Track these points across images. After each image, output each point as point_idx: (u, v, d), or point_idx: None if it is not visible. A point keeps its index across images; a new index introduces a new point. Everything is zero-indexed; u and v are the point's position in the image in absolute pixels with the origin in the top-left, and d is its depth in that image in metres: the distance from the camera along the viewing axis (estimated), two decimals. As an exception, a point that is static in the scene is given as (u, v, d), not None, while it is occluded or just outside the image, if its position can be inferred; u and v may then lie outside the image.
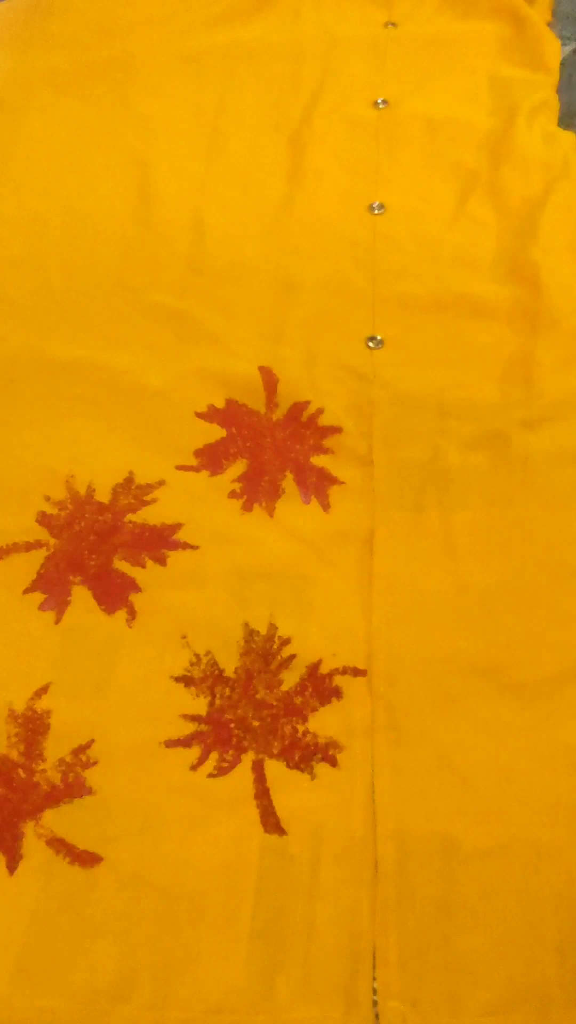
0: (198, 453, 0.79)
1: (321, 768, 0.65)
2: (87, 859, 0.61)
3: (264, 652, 0.69)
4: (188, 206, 0.96)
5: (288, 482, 0.78)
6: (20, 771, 0.64)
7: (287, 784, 0.64)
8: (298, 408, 0.81)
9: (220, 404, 0.82)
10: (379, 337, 0.87)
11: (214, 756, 0.65)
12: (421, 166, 1.00)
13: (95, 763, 0.64)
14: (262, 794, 0.64)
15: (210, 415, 0.81)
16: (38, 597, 0.71)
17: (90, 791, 0.63)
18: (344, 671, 0.68)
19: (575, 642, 0.69)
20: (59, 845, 0.61)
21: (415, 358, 0.85)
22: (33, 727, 0.66)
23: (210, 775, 0.64)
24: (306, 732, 0.66)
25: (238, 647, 0.69)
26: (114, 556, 0.73)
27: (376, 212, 0.96)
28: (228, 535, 0.74)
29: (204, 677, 0.68)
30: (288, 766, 0.65)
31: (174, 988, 0.57)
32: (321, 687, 0.68)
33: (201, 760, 0.65)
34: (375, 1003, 0.57)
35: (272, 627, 0.70)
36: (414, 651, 0.69)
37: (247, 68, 1.08)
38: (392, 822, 0.63)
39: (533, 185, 0.96)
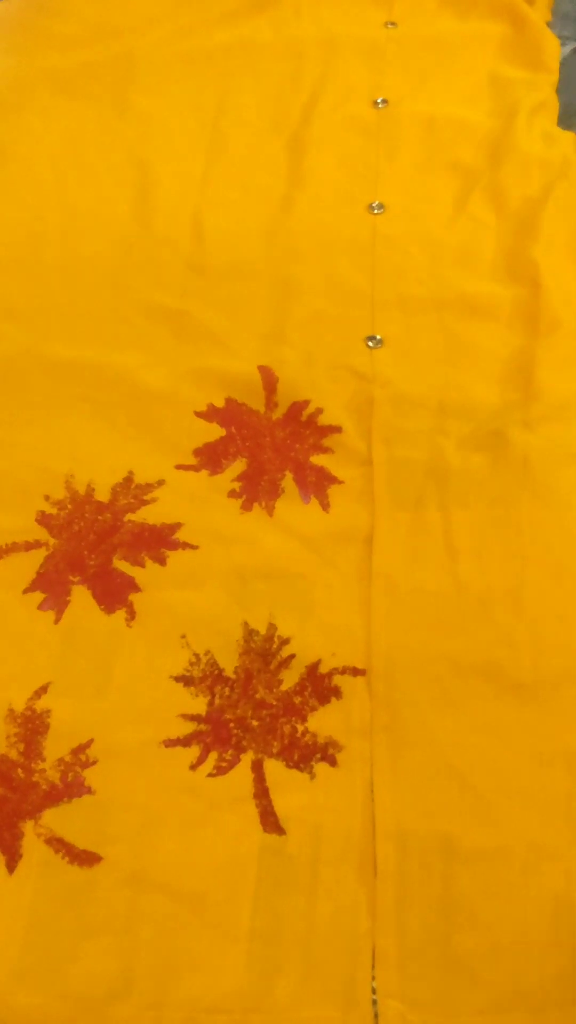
0: (197, 452, 0.79)
1: (320, 768, 0.65)
2: (86, 858, 0.61)
3: (263, 652, 0.69)
4: (188, 206, 0.96)
5: (288, 481, 0.78)
6: (19, 770, 0.64)
7: (286, 784, 0.64)
8: (297, 407, 0.81)
9: (220, 403, 0.82)
10: (379, 337, 0.86)
11: (213, 756, 0.65)
12: (421, 166, 1.00)
13: (94, 763, 0.64)
14: (261, 794, 0.64)
15: (210, 414, 0.81)
16: (38, 597, 0.71)
17: (89, 791, 0.63)
18: (343, 671, 0.68)
19: (575, 642, 0.69)
20: (58, 844, 0.61)
21: (415, 358, 0.85)
22: (33, 727, 0.66)
23: (209, 775, 0.64)
24: (305, 732, 0.66)
25: (238, 647, 0.69)
26: (114, 556, 0.73)
27: (376, 212, 0.96)
28: (227, 535, 0.74)
29: (204, 677, 0.68)
30: (287, 766, 0.65)
31: (173, 987, 0.57)
32: (320, 687, 0.68)
33: (201, 760, 0.65)
34: (374, 1003, 0.57)
35: (271, 627, 0.70)
36: (414, 651, 0.69)
37: (247, 68, 1.08)
38: (391, 822, 0.63)
39: (533, 185, 0.96)
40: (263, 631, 0.70)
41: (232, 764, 0.65)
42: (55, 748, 0.65)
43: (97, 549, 0.73)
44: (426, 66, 1.09)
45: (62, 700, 0.67)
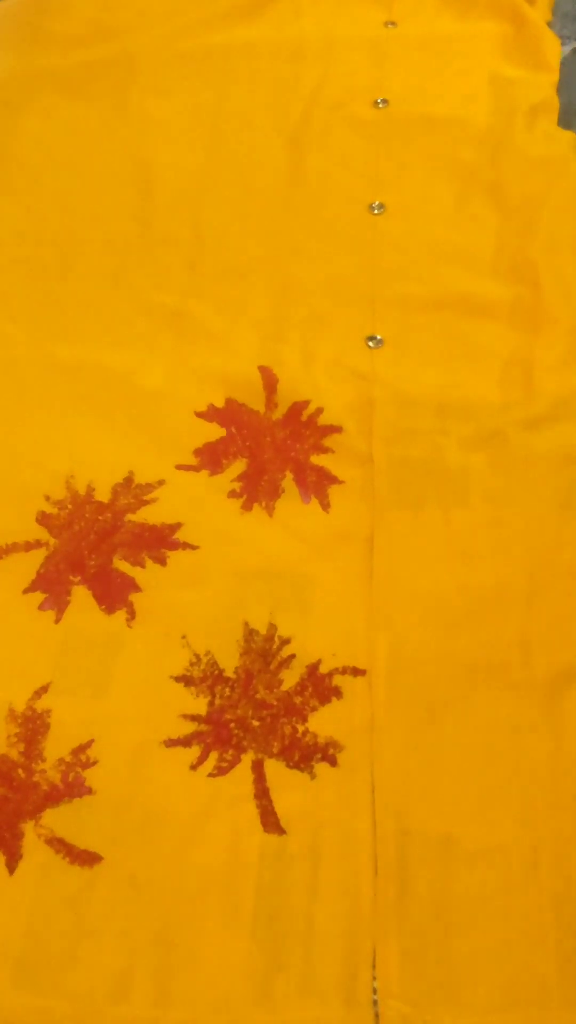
0: (198, 452, 0.79)
1: (321, 768, 0.65)
2: (87, 859, 0.61)
3: (264, 652, 0.69)
4: (188, 206, 0.96)
5: (288, 481, 0.78)
6: (20, 771, 0.64)
7: (287, 784, 0.64)
8: (298, 407, 0.81)
9: (220, 403, 0.82)
10: (379, 336, 0.86)
11: (214, 756, 0.65)
12: (421, 165, 0.99)
13: (95, 763, 0.64)
14: (262, 794, 0.64)
15: (210, 414, 0.81)
16: (38, 597, 0.71)
17: (90, 791, 0.63)
18: (344, 671, 0.68)
19: (575, 642, 0.69)
20: (59, 845, 0.61)
21: (415, 357, 0.85)
22: (33, 727, 0.66)
23: (210, 775, 0.64)
24: (306, 732, 0.66)
25: (238, 647, 0.69)
26: (114, 556, 0.73)
27: (376, 212, 0.96)
28: (228, 535, 0.74)
29: (204, 677, 0.68)
30: (288, 766, 0.65)
31: (174, 988, 0.57)
32: (321, 687, 0.68)
33: (201, 760, 0.65)
34: (375, 1002, 0.57)
35: (272, 627, 0.70)
36: (414, 651, 0.69)
37: (247, 68, 1.08)
38: (392, 822, 0.63)
39: (533, 184, 0.96)
40: (263, 631, 0.70)
41: (232, 764, 0.65)
42: (55, 748, 0.65)
43: (97, 549, 0.73)
44: (426, 66, 1.09)
45: (62, 700, 0.67)
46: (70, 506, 0.76)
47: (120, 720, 0.66)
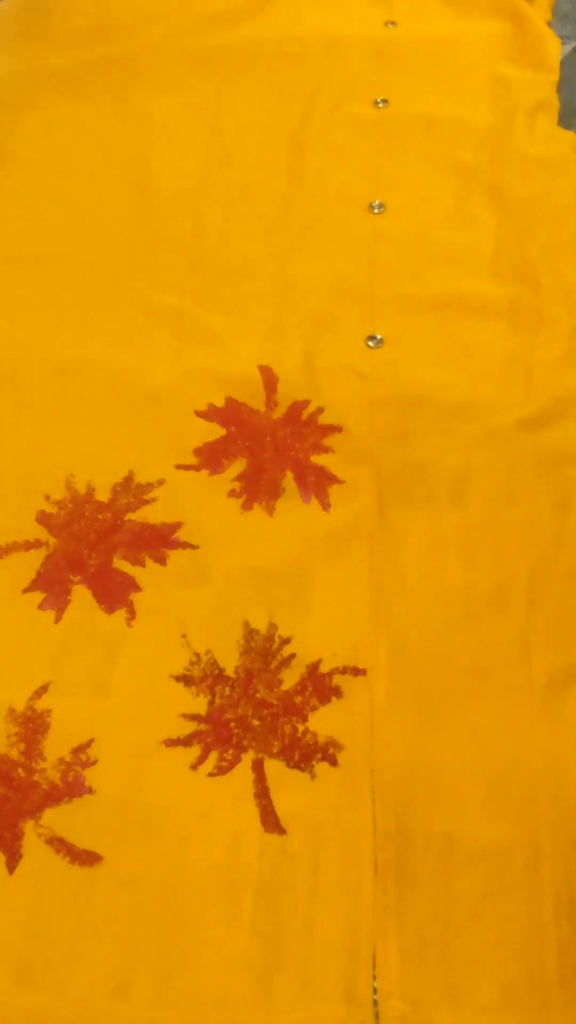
0: (198, 452, 0.79)
1: (321, 767, 0.65)
2: (87, 858, 0.61)
3: (264, 651, 0.69)
4: (188, 205, 0.96)
5: (288, 481, 0.77)
6: (20, 770, 0.64)
7: (287, 783, 0.64)
8: (298, 407, 0.81)
9: (220, 403, 0.82)
10: (379, 336, 0.86)
11: (214, 755, 0.65)
12: (421, 165, 1.00)
13: (95, 762, 0.64)
14: (262, 793, 0.64)
15: (210, 414, 0.81)
16: (38, 596, 0.71)
17: (90, 790, 0.63)
18: (344, 670, 0.68)
19: (575, 642, 0.69)
20: (59, 844, 0.61)
21: (415, 357, 0.85)
22: (33, 726, 0.65)
23: (210, 774, 0.64)
24: (306, 731, 0.66)
25: (238, 646, 0.69)
26: (114, 555, 0.73)
27: (376, 211, 0.96)
28: (228, 534, 0.74)
29: (204, 676, 0.68)
30: (288, 765, 0.65)
31: (174, 988, 0.57)
32: (321, 686, 0.68)
33: (201, 759, 0.65)
34: (375, 1002, 0.57)
35: (272, 626, 0.70)
36: (414, 650, 0.69)
37: (247, 68, 1.09)
38: (392, 821, 0.63)
39: (533, 184, 0.96)
40: (263, 631, 0.70)
41: (233, 764, 0.65)
42: (55, 748, 0.65)
43: (97, 549, 0.73)
44: (426, 66, 1.09)
45: (63, 700, 0.67)
46: (70, 505, 0.76)
47: (120, 720, 0.66)
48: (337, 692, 0.68)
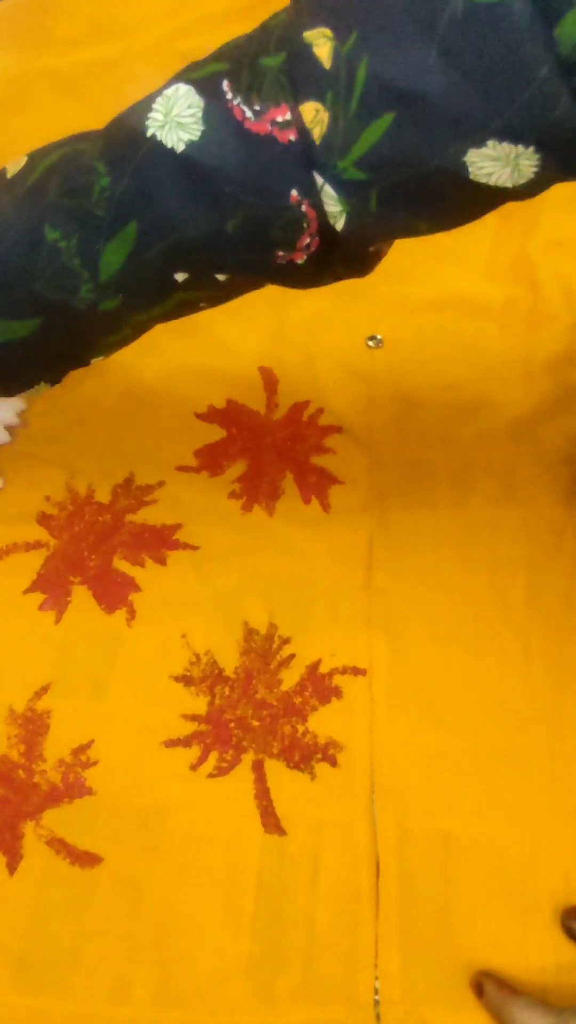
0: (198, 454, 0.79)
1: (321, 768, 0.65)
2: (87, 859, 0.61)
3: (264, 652, 0.69)
4: (188, 206, 0.96)
5: (288, 482, 0.78)
6: (20, 771, 0.64)
7: (287, 784, 0.64)
8: (298, 408, 0.82)
9: (220, 404, 0.82)
10: (379, 336, 0.87)
11: (214, 756, 0.65)
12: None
13: (95, 763, 0.65)
14: (262, 794, 0.64)
15: (210, 415, 0.81)
16: (38, 597, 0.71)
17: (90, 791, 0.64)
18: (344, 670, 0.69)
19: (575, 642, 0.69)
20: (59, 845, 0.61)
21: (415, 358, 0.85)
22: (33, 727, 0.66)
23: (210, 775, 0.64)
24: (306, 732, 0.66)
25: (238, 647, 0.69)
26: (114, 556, 0.73)
27: (376, 212, 0.96)
28: (228, 535, 0.74)
29: (204, 677, 0.68)
30: (288, 766, 0.65)
31: (174, 988, 0.57)
32: (320, 687, 0.68)
33: (201, 760, 0.65)
34: (376, 1003, 0.57)
35: (272, 626, 0.70)
36: (414, 650, 0.69)
37: (247, 68, 1.08)
38: (392, 822, 0.63)
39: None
40: (263, 631, 0.70)
41: (232, 764, 0.65)
42: (56, 749, 0.65)
43: (98, 550, 0.73)
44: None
45: (63, 700, 0.67)
46: (70, 507, 0.76)
47: (120, 720, 0.66)
48: (337, 692, 0.68)
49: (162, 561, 0.73)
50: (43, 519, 0.75)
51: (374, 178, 0.46)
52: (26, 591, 0.72)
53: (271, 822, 0.63)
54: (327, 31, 0.45)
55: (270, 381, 0.83)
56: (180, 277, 0.54)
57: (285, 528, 0.75)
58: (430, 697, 0.67)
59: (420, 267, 0.91)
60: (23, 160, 0.57)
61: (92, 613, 0.71)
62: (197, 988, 0.57)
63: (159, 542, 0.74)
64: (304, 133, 0.47)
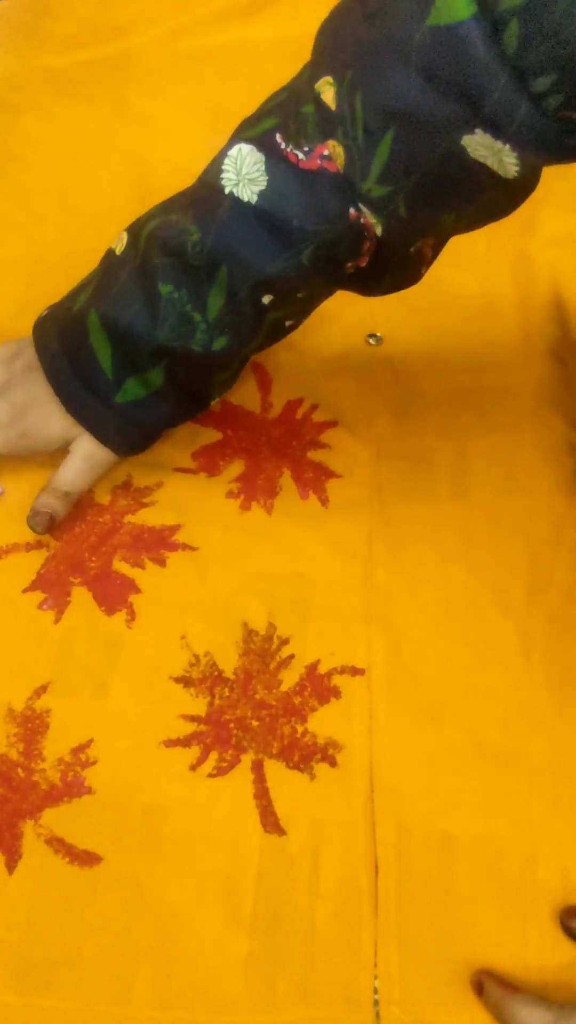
0: (195, 456, 0.79)
1: (321, 768, 0.65)
2: (86, 859, 0.61)
3: (263, 652, 0.69)
4: (187, 206, 0.96)
5: (285, 479, 0.78)
6: (19, 770, 0.64)
7: (287, 784, 0.64)
8: (292, 405, 0.82)
9: (215, 407, 0.82)
10: (379, 335, 0.87)
11: (213, 756, 0.65)
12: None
13: (95, 763, 0.65)
14: (262, 794, 0.64)
15: (205, 418, 0.81)
16: (37, 596, 0.72)
17: (89, 791, 0.64)
18: (343, 670, 0.69)
19: None
20: (58, 845, 0.62)
21: (415, 356, 0.85)
22: (32, 726, 0.66)
23: (210, 775, 0.64)
24: (305, 732, 0.66)
25: (237, 647, 0.69)
26: (114, 557, 0.73)
27: (376, 211, 0.96)
28: (226, 535, 0.75)
29: (203, 677, 0.68)
30: (288, 766, 0.65)
31: (174, 988, 0.58)
32: (320, 687, 0.68)
33: (200, 760, 0.65)
34: (376, 1003, 0.57)
35: (271, 626, 0.70)
36: (413, 649, 0.69)
37: (247, 68, 1.08)
38: (392, 822, 0.63)
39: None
40: (263, 631, 0.70)
41: (232, 764, 0.65)
42: (55, 748, 0.65)
43: (97, 551, 0.74)
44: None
45: (62, 700, 0.67)
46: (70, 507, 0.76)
47: (120, 720, 0.66)
48: (336, 692, 0.68)
49: (162, 562, 0.73)
50: (43, 519, 0.75)
51: (396, 188, 0.53)
52: (25, 590, 0.72)
53: (271, 822, 0.63)
54: (329, 79, 0.54)
55: (264, 380, 0.83)
56: (267, 300, 0.63)
57: (284, 525, 0.75)
58: (429, 696, 0.67)
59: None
60: (124, 236, 0.69)
61: (92, 614, 0.71)
62: (196, 987, 0.57)
63: (158, 543, 0.74)
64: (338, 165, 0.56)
